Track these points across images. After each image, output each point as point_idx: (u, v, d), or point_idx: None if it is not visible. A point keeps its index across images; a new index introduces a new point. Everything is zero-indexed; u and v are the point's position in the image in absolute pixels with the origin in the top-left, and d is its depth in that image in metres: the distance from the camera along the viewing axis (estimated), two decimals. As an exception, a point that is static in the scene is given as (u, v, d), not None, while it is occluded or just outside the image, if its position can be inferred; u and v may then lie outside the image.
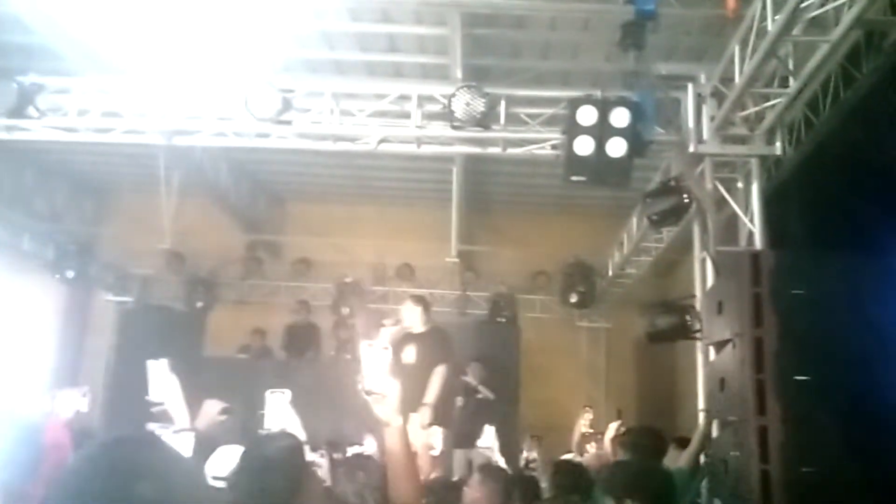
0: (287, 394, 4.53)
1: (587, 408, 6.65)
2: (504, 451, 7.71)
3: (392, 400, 2.84)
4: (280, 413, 4.49)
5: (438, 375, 6.99)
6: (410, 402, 6.74)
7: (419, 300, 7.51)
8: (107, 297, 12.26)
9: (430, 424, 6.58)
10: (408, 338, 7.25)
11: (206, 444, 4.07)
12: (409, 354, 7.24)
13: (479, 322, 11.37)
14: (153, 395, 4.40)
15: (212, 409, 4.49)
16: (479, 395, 9.81)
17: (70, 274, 10.83)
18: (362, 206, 11.39)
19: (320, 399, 9.54)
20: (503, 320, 11.03)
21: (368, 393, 2.85)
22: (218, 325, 11.42)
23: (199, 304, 11.46)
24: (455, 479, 6.31)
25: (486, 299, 11.42)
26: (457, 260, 10.44)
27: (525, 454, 6.29)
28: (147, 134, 7.62)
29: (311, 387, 9.56)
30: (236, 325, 11.61)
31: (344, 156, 9.00)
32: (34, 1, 7.20)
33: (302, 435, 4.35)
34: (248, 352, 10.99)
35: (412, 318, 7.28)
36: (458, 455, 9.26)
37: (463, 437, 9.13)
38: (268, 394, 4.52)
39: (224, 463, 3.58)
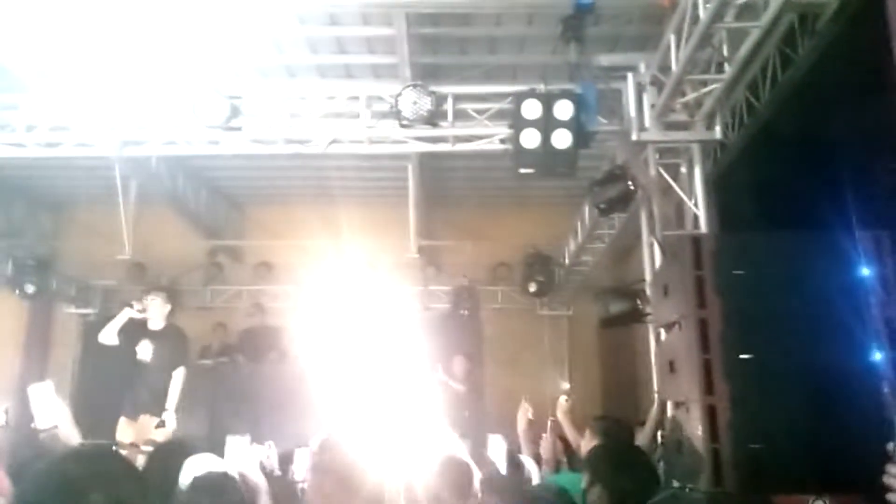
0: (49, 384, 4.46)
1: (526, 397, 6.75)
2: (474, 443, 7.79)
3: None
4: (46, 404, 4.41)
5: (178, 379, 7.13)
6: (148, 404, 6.88)
7: (164, 294, 7.51)
8: (69, 311, 12.20)
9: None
10: (144, 332, 7.29)
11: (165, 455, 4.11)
12: (145, 351, 7.28)
13: (441, 316, 11.51)
14: (40, 423, 4.30)
15: (147, 424, 4.49)
16: (456, 388, 9.99)
17: (30, 289, 10.74)
18: (321, 206, 11.37)
19: (282, 402, 9.60)
20: (465, 313, 11.17)
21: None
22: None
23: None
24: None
25: (447, 293, 11.55)
26: (417, 255, 10.54)
27: None
28: (97, 146, 7.65)
29: (273, 390, 9.66)
30: (200, 330, 11.62)
31: (300, 158, 9.01)
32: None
33: (75, 430, 4.36)
34: (210, 351, 11.01)
35: (154, 312, 7.29)
36: None
37: None
38: (30, 389, 4.42)
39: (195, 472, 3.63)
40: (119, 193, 9.92)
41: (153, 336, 7.32)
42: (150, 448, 5.70)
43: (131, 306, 7.46)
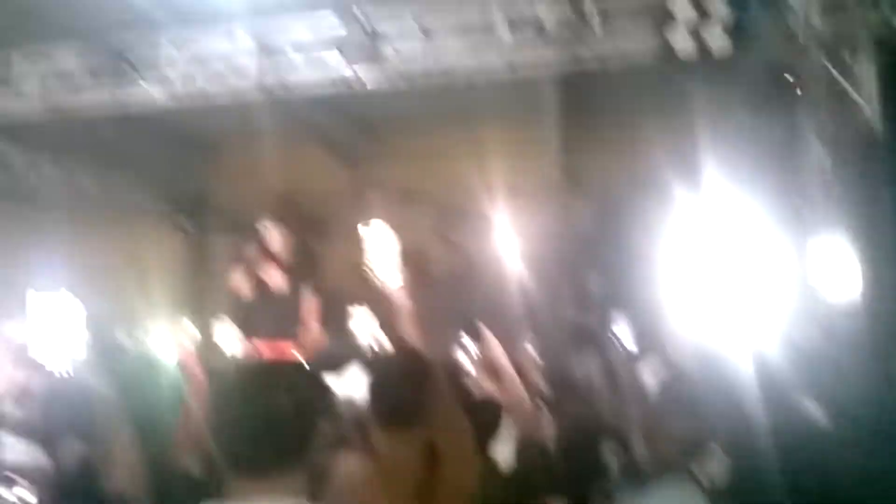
0: (366, 307, 4.82)
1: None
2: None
3: (397, 273, 3.18)
4: (364, 326, 4.75)
5: (311, 302, 7.39)
6: (282, 327, 6.86)
7: (275, 218, 7.75)
8: (224, 245, 12.79)
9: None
10: (271, 259, 7.53)
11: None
12: (274, 278, 7.49)
13: (583, 235, 11.31)
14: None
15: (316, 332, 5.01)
16: (595, 305, 9.92)
17: (190, 227, 11.37)
18: (458, 130, 11.34)
19: (437, 322, 9.79)
20: (608, 230, 10.90)
21: (371, 268, 3.18)
22: (332, 259, 11.80)
23: (311, 242, 11.76)
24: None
25: (590, 212, 11.24)
26: (558, 174, 10.35)
27: None
28: (243, 84, 7.85)
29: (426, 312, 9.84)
30: (350, 257, 11.95)
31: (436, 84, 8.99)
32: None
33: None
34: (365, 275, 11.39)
35: (273, 239, 7.37)
36: (577, 361, 9.48)
37: (581, 343, 9.43)
38: (351, 308, 4.80)
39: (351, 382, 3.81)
40: (266, 131, 10.24)
41: (280, 263, 7.59)
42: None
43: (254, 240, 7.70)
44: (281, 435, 2.03)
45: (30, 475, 2.62)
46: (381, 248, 3.30)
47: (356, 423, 2.99)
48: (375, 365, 3.13)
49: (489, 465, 3.39)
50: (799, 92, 6.23)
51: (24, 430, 3.63)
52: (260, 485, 2.02)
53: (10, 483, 2.50)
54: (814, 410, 3.70)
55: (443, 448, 2.77)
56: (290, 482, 2.05)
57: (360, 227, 3.34)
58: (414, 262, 11.07)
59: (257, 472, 2.02)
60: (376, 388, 2.84)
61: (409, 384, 2.84)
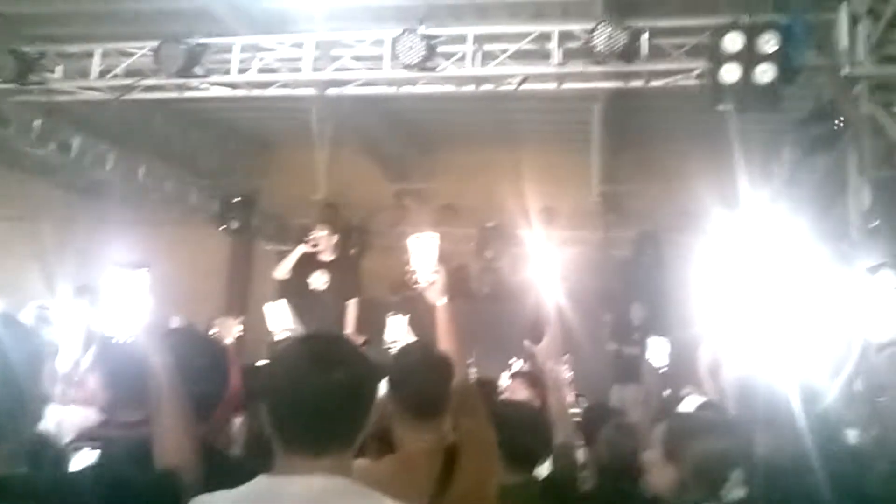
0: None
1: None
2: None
3: (439, 284, 3.23)
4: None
5: (353, 308, 7.57)
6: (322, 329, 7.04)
7: (330, 227, 8.01)
8: (267, 247, 13.04)
9: None
10: (317, 264, 7.72)
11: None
12: (319, 281, 7.66)
13: (622, 262, 11.39)
14: (277, 333, 4.91)
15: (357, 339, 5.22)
16: (635, 335, 10.01)
17: (234, 225, 11.63)
18: (504, 151, 11.49)
19: (470, 337, 9.89)
20: (648, 259, 10.96)
21: (416, 281, 3.23)
22: (371, 269, 11.99)
23: (353, 251, 11.99)
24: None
25: (630, 240, 11.36)
26: (599, 200, 10.42)
27: None
28: (301, 87, 8.11)
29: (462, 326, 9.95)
30: (389, 267, 12.15)
31: (487, 99, 9.16)
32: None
33: None
34: (399, 286, 11.56)
35: (324, 244, 7.56)
36: (615, 390, 9.66)
37: (620, 372, 9.76)
38: (388, 317, 4.96)
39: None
40: (316, 135, 10.48)
41: (326, 267, 7.78)
42: None
43: (305, 243, 7.92)
44: (336, 410, 2.00)
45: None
46: (427, 260, 3.36)
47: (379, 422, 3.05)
48: (401, 354, 3.24)
49: (522, 478, 3.41)
50: (842, 127, 6.29)
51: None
52: (312, 461, 2.00)
53: None
54: (852, 442, 3.68)
55: (465, 452, 2.83)
56: (341, 460, 2.04)
57: (409, 238, 3.41)
58: (456, 277, 11.40)
59: (312, 447, 2.01)
60: (401, 375, 2.93)
61: (432, 375, 2.92)
